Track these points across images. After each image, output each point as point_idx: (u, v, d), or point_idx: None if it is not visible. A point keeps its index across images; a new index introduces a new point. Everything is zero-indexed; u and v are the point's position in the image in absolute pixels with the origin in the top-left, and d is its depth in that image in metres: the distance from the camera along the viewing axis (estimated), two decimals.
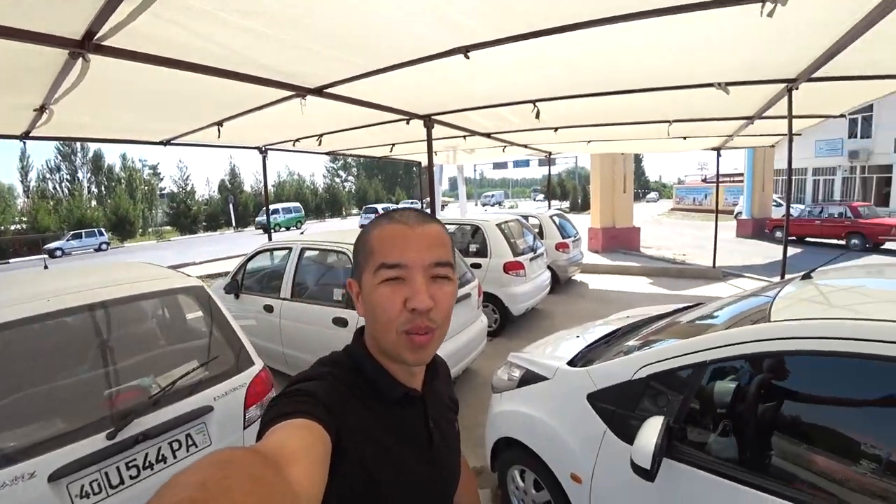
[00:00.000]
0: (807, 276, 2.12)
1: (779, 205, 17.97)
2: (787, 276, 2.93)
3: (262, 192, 42.83)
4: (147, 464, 1.88)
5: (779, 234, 14.86)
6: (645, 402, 1.78)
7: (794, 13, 2.20)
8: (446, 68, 3.25)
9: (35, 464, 1.60)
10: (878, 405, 1.36)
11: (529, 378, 2.33)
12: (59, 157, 36.75)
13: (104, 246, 25.16)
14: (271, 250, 4.87)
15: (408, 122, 5.24)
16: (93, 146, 37.23)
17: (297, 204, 35.17)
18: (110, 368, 2.12)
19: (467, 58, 2.86)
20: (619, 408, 1.82)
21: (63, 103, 3.36)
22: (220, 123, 4.76)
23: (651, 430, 1.50)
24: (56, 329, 2.08)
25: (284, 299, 4.10)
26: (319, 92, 3.71)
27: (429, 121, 5.20)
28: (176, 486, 0.37)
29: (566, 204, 44.41)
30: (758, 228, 15.84)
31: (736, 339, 1.58)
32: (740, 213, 18.05)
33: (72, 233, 25.32)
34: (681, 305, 3.01)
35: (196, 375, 2.15)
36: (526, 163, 34.64)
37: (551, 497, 2.15)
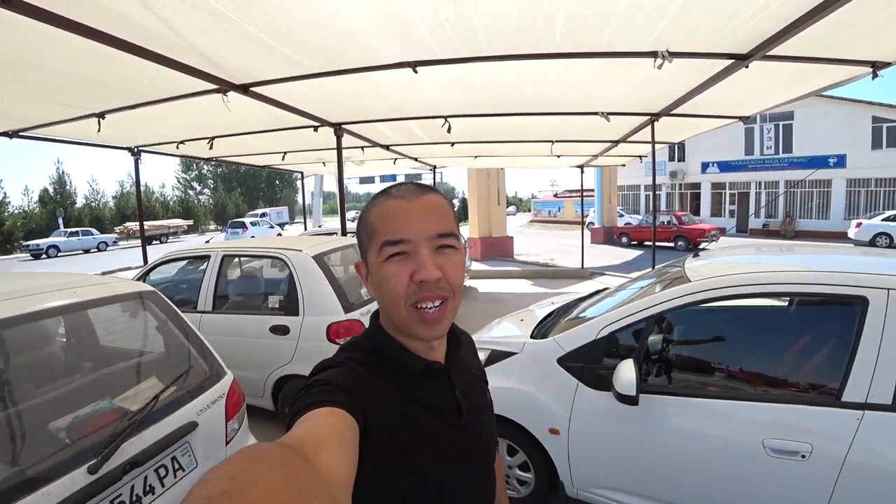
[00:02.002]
0: (696, 255, 2.80)
1: (622, 215, 21.39)
2: (658, 265, 3.73)
3: (112, 203, 36.52)
4: (135, 498, 1.61)
5: (624, 239, 17.74)
6: (608, 355, 2.22)
7: (665, 68, 2.91)
8: (377, 80, 3.43)
9: None
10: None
11: (496, 356, 2.62)
12: None
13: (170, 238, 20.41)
14: (175, 261, 4.43)
15: (316, 130, 5.21)
16: None
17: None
18: (58, 392, 1.79)
19: (415, 72, 3.09)
20: (587, 363, 2.22)
21: None
22: (101, 115, 4.18)
23: (627, 368, 1.93)
24: None
25: (204, 312, 3.80)
26: (245, 89, 3.55)
27: (339, 129, 5.24)
28: (208, 482, 0.38)
29: None
30: (607, 235, 18.71)
31: (675, 295, 2.12)
32: (592, 222, 20.98)
33: None
34: (594, 290, 3.59)
35: (172, 389, 1.95)
36: (393, 177, 35.24)
37: (527, 457, 2.45)
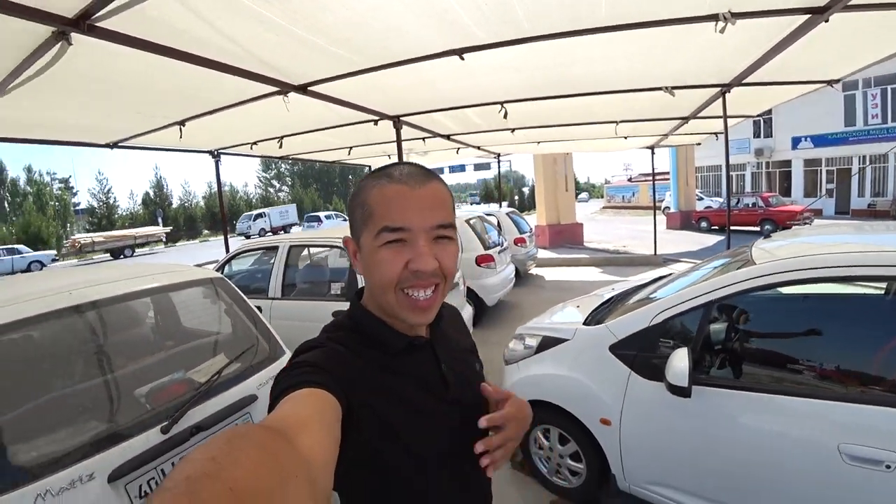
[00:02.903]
0: (767, 237, 2.55)
1: (701, 198, 19.84)
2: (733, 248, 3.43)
3: (203, 203, 39.61)
4: None
5: (704, 224, 16.46)
6: (663, 343, 2.09)
7: (732, 31, 2.64)
8: (426, 70, 3.44)
9: (91, 465, 1.50)
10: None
11: (548, 343, 2.57)
12: None
13: (133, 251, 23.63)
14: (251, 252, 4.79)
15: (376, 123, 5.35)
16: None
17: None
18: (143, 364, 2.07)
19: (462, 59, 3.07)
20: (640, 352, 2.11)
21: (12, 95, 3.08)
22: (182, 123, 4.60)
23: (680, 358, 1.80)
24: (82, 324, 1.97)
25: (274, 299, 4.08)
26: (304, 89, 3.74)
27: (398, 121, 5.36)
28: (189, 462, 0.38)
29: (506, 205, 45.78)
30: (685, 220, 17.44)
31: (734, 280, 1.94)
32: (668, 207, 19.72)
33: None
34: (657, 275, 3.39)
35: (237, 365, 2.15)
36: (462, 167, 35.26)
37: (578, 447, 2.39)
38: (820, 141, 20.21)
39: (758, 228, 14.43)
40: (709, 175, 25.80)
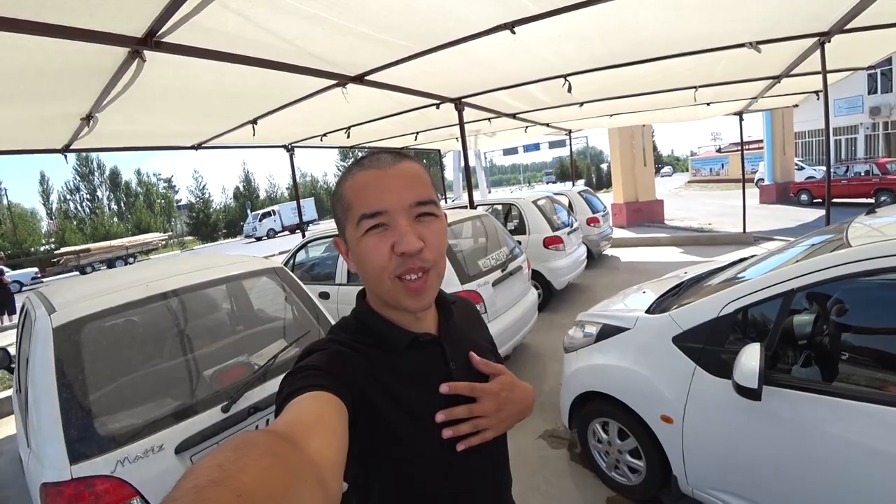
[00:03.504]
0: (871, 212, 2.19)
1: (801, 168, 17.65)
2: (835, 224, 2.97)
3: (288, 194, 41.96)
4: None
5: (804, 197, 14.64)
6: (733, 336, 1.87)
7: None
8: (479, 48, 3.31)
9: (162, 437, 1.69)
10: None
11: (608, 331, 2.42)
12: (78, 177, 37.63)
13: (131, 259, 25.74)
14: (320, 240, 5.01)
15: (438, 107, 5.32)
16: (109, 164, 38.15)
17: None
18: (212, 348, 2.25)
19: (513, 33, 2.93)
20: (707, 345, 1.90)
21: (107, 110, 3.47)
22: (254, 121, 4.88)
23: (751, 355, 1.59)
24: (154, 312, 2.18)
25: (341, 285, 4.24)
26: (360, 80, 3.79)
27: (459, 104, 5.28)
28: (196, 471, 0.38)
29: (581, 183, 44.15)
30: (781, 193, 15.60)
31: (821, 266, 1.65)
32: (762, 179, 17.78)
33: None
34: (736, 258, 3.06)
35: (293, 350, 2.27)
36: (536, 146, 34.34)
37: (638, 443, 2.24)
38: None
39: (872, 200, 12.61)
40: (811, 141, 22.53)
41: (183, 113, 4.21)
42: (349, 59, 3.31)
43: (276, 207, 31.55)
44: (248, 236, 30.17)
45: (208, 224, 36.29)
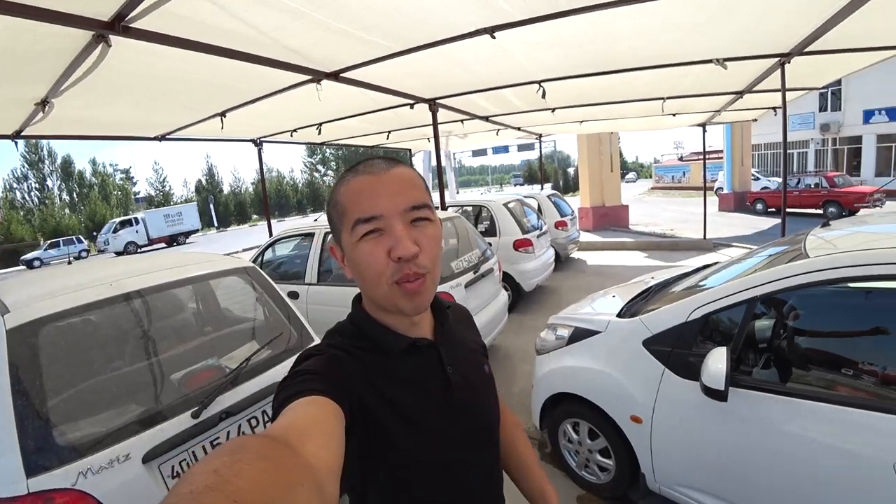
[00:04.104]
0: (825, 225, 2.33)
1: (757, 178, 18.59)
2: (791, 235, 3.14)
3: (252, 189, 40.50)
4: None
5: (760, 206, 15.44)
6: (700, 340, 1.95)
7: None
8: (458, 51, 3.34)
9: (129, 446, 1.60)
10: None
11: (579, 334, 2.48)
12: (27, 165, 35.45)
13: (84, 254, 24.38)
14: (289, 238, 4.91)
15: (412, 107, 5.31)
16: (61, 152, 36.10)
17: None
18: (179, 350, 2.15)
19: (493, 38, 2.96)
20: (675, 348, 1.98)
21: (65, 96, 3.29)
22: (223, 114, 4.73)
23: (718, 358, 1.67)
24: (119, 313, 2.06)
25: (311, 284, 4.17)
26: (336, 76, 3.74)
27: (434, 104, 5.29)
28: (191, 476, 0.38)
29: (549, 186, 44.91)
30: (739, 202, 16.41)
31: (782, 275, 1.76)
32: (721, 188, 18.62)
33: (49, 242, 24.51)
34: (703, 263, 3.19)
35: (265, 352, 2.21)
36: (505, 149, 34.62)
37: (608, 443, 2.31)
38: None
39: (821, 211, 13.39)
40: (766, 153, 23.93)
41: (148, 102, 4.02)
42: (326, 55, 3.26)
43: (141, 214, 26.31)
44: (101, 251, 25.02)
45: None
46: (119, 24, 2.26)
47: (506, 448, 0.96)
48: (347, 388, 0.66)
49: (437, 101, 5.28)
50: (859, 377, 1.67)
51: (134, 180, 41.43)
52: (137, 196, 39.92)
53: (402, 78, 4.16)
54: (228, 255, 3.00)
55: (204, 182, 41.08)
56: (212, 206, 34.46)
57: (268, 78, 3.55)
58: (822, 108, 20.75)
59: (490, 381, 0.89)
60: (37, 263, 22.18)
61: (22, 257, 23.16)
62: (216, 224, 34.74)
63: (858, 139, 19.95)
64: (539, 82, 4.57)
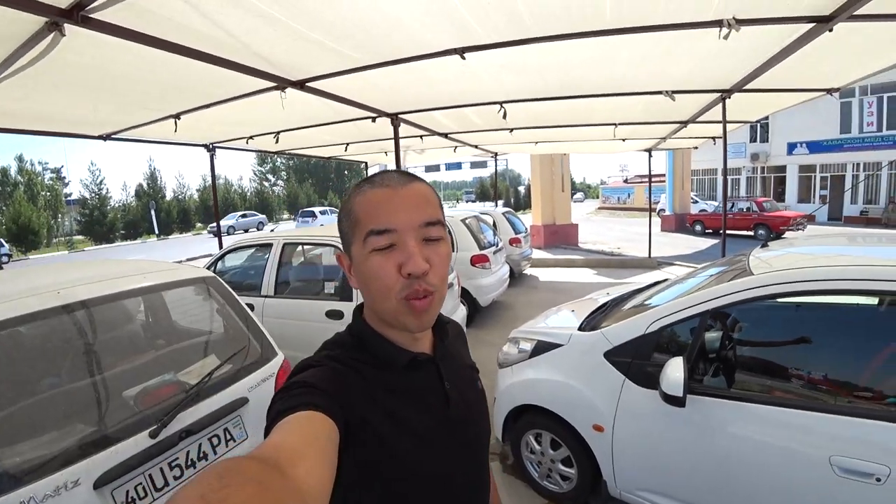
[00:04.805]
0: (765, 246, 2.56)
1: (696, 202, 19.97)
2: (730, 255, 3.42)
3: (197, 196, 38.22)
4: (189, 462, 1.79)
5: (698, 227, 16.57)
6: (658, 351, 2.08)
7: (735, 38, 2.64)
8: (426, 68, 3.41)
9: (77, 470, 1.46)
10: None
11: (542, 347, 2.56)
12: None
13: (5, 258, 22.27)
14: (244, 248, 4.74)
15: (374, 120, 5.30)
16: None
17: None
18: (133, 365, 2.02)
19: (463, 59, 3.05)
20: (635, 359, 2.10)
21: (1, 86, 3.02)
22: (177, 116, 4.54)
23: (675, 367, 1.80)
24: (66, 324, 1.90)
25: (267, 297, 4.04)
26: (301, 85, 3.69)
27: (396, 119, 5.31)
28: (178, 502, 0.38)
29: (501, 203, 45.77)
30: (679, 223, 17.56)
31: (731, 290, 1.94)
32: (663, 209, 19.84)
33: None
34: (653, 281, 3.39)
35: (228, 366, 2.10)
36: (458, 165, 35.16)
37: (570, 452, 2.39)
38: (815, 147, 20.41)
39: (751, 233, 14.55)
40: (704, 178, 25.92)
41: (96, 99, 3.75)
42: (294, 64, 3.22)
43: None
44: None
45: (104, 223, 32.46)
46: (78, 14, 2.11)
47: None
48: (345, 401, 0.65)
49: (400, 115, 5.31)
50: (793, 381, 1.86)
51: (66, 181, 38.46)
52: (69, 198, 37.01)
53: (368, 91, 4.17)
54: (179, 262, 2.86)
55: (145, 186, 38.76)
56: (153, 213, 32.49)
57: (231, 82, 3.45)
58: (753, 139, 22.77)
59: (483, 398, 0.90)
60: None
61: None
62: (157, 231, 32.78)
63: (783, 168, 22.03)
64: (501, 103, 4.72)
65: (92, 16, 2.18)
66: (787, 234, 13.89)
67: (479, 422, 0.85)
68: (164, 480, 1.68)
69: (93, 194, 34.16)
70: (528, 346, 2.68)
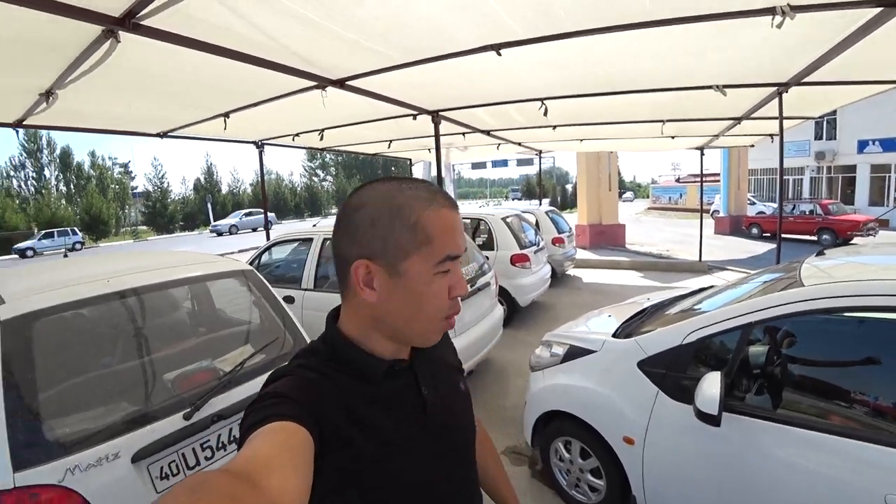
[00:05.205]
0: (820, 254, 2.36)
1: (753, 203, 18.78)
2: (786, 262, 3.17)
3: (251, 190, 40.09)
4: (220, 444, 1.89)
5: (755, 230, 15.57)
6: (694, 363, 1.97)
7: (790, 26, 2.43)
8: (464, 65, 3.36)
9: (118, 444, 1.58)
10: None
11: (574, 353, 2.49)
12: (24, 154, 35.17)
13: (78, 245, 24.22)
14: (287, 242, 4.90)
15: (415, 118, 5.34)
16: (61, 142, 35.90)
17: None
18: (173, 350, 2.13)
19: (499, 55, 3.00)
20: (670, 370, 1.99)
21: (70, 88, 3.29)
22: (227, 115, 4.74)
23: (712, 383, 1.68)
24: (114, 310, 2.05)
25: (307, 290, 4.16)
26: (341, 84, 3.77)
27: (436, 116, 5.32)
28: None
29: (547, 202, 45.04)
30: (734, 225, 16.57)
31: (777, 302, 1.78)
32: (717, 210, 18.82)
33: (43, 232, 24.33)
34: (697, 288, 3.22)
35: (259, 357, 2.19)
36: (504, 163, 34.85)
37: (600, 463, 2.31)
38: (890, 145, 18.57)
39: (815, 238, 13.56)
40: (763, 178, 24.24)
41: (152, 99, 4.03)
42: (333, 63, 3.29)
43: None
44: None
45: (165, 215, 34.75)
46: (129, 21, 2.27)
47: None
48: (318, 409, 0.63)
49: (440, 113, 5.32)
50: (852, 407, 1.68)
51: (132, 175, 41.27)
52: (135, 191, 39.72)
53: (407, 89, 4.20)
54: (222, 255, 2.99)
55: (202, 180, 40.99)
56: (209, 206, 34.36)
57: (273, 82, 3.57)
58: (818, 137, 21.10)
59: (467, 399, 0.88)
60: (30, 253, 21.99)
61: (14, 246, 22.93)
62: (212, 223, 34.59)
63: (853, 168, 20.29)
64: (542, 99, 4.62)
65: (142, 23, 2.32)
66: (857, 240, 12.85)
67: (463, 426, 0.84)
68: (195, 459, 1.79)
69: (155, 188, 36.56)
70: (560, 351, 2.61)
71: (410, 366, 0.78)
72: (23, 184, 34.69)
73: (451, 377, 0.88)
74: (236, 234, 28.85)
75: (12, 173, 34.57)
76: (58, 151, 35.90)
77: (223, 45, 2.70)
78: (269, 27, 2.50)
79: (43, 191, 33.56)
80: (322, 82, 3.66)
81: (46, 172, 35.69)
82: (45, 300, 1.78)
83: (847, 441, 1.54)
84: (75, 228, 26.00)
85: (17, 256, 22.01)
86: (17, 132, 4.79)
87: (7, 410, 1.49)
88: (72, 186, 36.25)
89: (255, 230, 28.65)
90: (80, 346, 1.91)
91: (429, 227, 0.66)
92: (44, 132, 32.52)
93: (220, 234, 28.74)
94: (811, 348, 1.99)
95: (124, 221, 35.98)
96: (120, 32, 2.34)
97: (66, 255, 2.81)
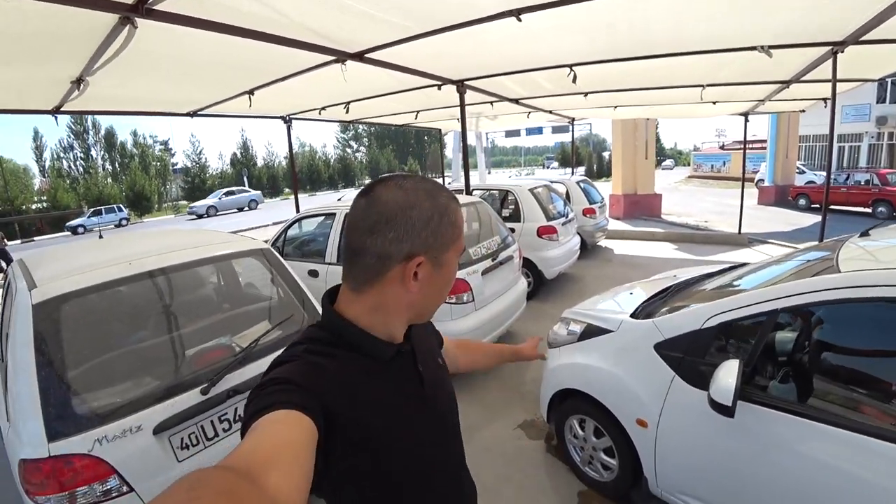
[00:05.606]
0: (864, 234, 2.18)
1: (802, 172, 17.58)
2: (831, 239, 2.94)
3: (285, 163, 40.86)
4: (237, 417, 1.98)
5: (802, 201, 14.60)
6: (714, 349, 1.88)
7: None
8: (485, 32, 3.23)
9: (141, 418, 1.68)
10: None
11: (591, 331, 2.44)
12: (72, 136, 36.82)
13: (124, 221, 25.44)
14: (312, 216, 4.97)
15: (439, 88, 5.22)
16: (104, 123, 37.40)
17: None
18: (192, 328, 2.23)
19: (519, 20, 2.85)
20: (687, 355, 1.92)
21: (98, 75, 3.40)
22: (251, 92, 4.78)
23: (728, 372, 1.60)
24: (136, 291, 2.14)
25: (330, 264, 4.22)
26: (360, 57, 3.71)
27: (461, 86, 5.19)
28: None
29: (582, 171, 43.83)
30: (780, 196, 15.56)
31: (809, 288, 1.65)
32: (762, 180, 17.75)
33: (92, 210, 25.66)
34: (727, 265, 3.07)
35: (275, 333, 2.25)
36: (539, 130, 33.88)
37: (613, 442, 2.28)
38: None
39: (870, 210, 12.62)
40: (815, 146, 22.30)
41: (177, 80, 4.11)
42: (348, 37, 3.23)
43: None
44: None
45: (204, 189, 35.89)
46: (143, 7, 2.30)
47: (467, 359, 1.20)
48: (325, 395, 0.64)
49: (465, 82, 5.18)
50: (879, 402, 1.57)
51: (172, 152, 42.65)
52: (175, 167, 41.13)
53: (427, 59, 4.09)
54: (235, 232, 3.04)
55: (239, 155, 41.97)
56: (245, 179, 35.30)
57: (293, 58, 3.55)
58: (880, 100, 19.26)
59: (446, 371, 0.94)
60: (80, 230, 23.26)
61: (67, 223, 24.31)
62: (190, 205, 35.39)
63: None
64: (570, 66, 4.41)
65: (155, 7, 2.34)
66: None
67: (449, 395, 0.90)
68: (214, 431, 1.91)
69: (194, 164, 37.69)
70: (577, 329, 2.56)
71: (411, 346, 0.82)
72: (72, 164, 36.51)
73: (432, 348, 0.94)
74: (214, 215, 25.15)
75: (62, 154, 36.38)
76: (102, 132, 37.45)
77: (235, 24, 2.69)
78: (278, 4, 2.47)
79: (91, 170, 35.24)
80: (341, 56, 3.61)
81: (93, 152, 37.42)
82: (74, 283, 1.89)
83: (879, 442, 1.41)
84: (121, 206, 27.25)
85: (69, 233, 23.31)
86: (56, 118, 5.00)
87: (41, 387, 1.61)
88: (116, 165, 37.91)
89: (240, 210, 26.60)
90: (104, 326, 2.02)
91: (459, 222, 0.76)
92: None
93: (199, 216, 25.38)
94: (847, 336, 1.84)
95: (166, 197, 37.45)
96: (136, 19, 2.38)
97: (101, 237, 2.95)
